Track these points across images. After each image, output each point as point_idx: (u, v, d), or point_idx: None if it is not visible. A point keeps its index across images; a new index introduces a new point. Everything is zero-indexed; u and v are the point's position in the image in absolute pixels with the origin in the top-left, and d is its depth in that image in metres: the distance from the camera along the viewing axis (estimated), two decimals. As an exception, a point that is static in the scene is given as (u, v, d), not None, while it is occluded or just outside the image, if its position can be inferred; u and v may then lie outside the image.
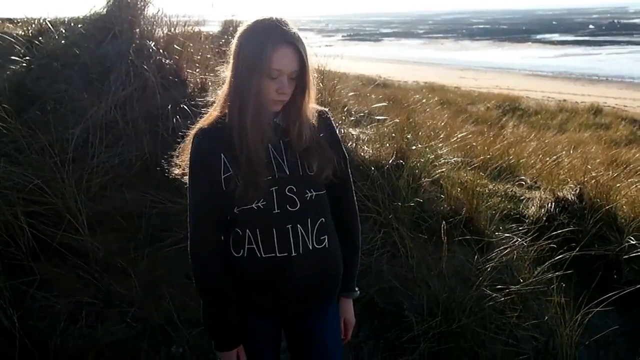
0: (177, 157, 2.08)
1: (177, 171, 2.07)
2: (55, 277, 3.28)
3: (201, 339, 3.14)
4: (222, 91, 1.99)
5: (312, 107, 2.01)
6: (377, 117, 5.29)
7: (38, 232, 3.37)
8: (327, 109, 2.12)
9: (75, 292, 3.22)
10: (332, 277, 2.11)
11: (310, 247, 1.98)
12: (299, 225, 1.96)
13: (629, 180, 5.17)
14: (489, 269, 3.56)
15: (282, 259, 1.96)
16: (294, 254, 1.96)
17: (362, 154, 4.34)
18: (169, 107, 4.05)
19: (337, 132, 2.12)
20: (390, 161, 4.28)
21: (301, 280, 2.01)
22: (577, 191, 4.56)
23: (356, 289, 2.23)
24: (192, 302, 3.27)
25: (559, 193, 4.59)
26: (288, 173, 1.93)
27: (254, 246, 1.95)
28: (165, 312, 3.22)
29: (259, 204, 1.91)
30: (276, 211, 1.93)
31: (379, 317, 3.43)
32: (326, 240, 2.02)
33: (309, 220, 1.97)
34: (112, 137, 3.98)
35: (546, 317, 3.51)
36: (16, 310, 3.02)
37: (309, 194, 1.96)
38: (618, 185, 4.75)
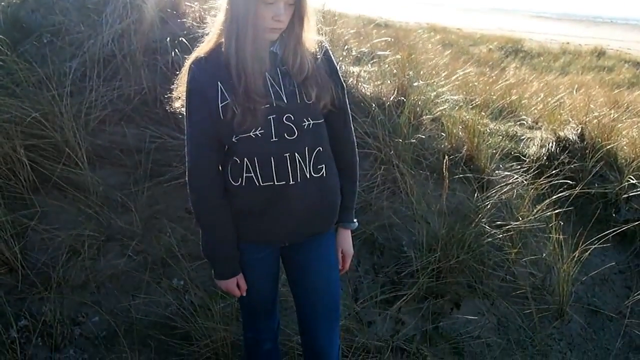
0: (176, 88, 2.05)
1: (177, 104, 2.05)
2: (56, 211, 3.28)
3: (202, 271, 3.18)
4: (218, 19, 1.95)
5: (311, 37, 1.98)
6: (379, 53, 5.20)
7: (37, 165, 3.35)
8: (324, 39, 2.08)
9: (76, 225, 3.23)
10: (329, 206, 2.12)
11: (308, 176, 1.98)
12: (296, 154, 1.95)
13: (631, 120, 5.14)
14: (488, 207, 3.58)
15: (280, 188, 1.96)
16: (292, 182, 1.96)
17: (363, 90, 4.29)
18: (168, 40, 3.97)
19: (335, 61, 2.09)
20: (391, 98, 4.24)
21: (298, 209, 2.02)
22: (579, 131, 4.53)
23: (354, 220, 2.23)
24: (192, 236, 3.30)
25: (560, 133, 4.56)
26: (286, 101, 1.91)
27: (252, 175, 1.95)
28: (166, 245, 3.25)
29: (257, 132, 1.90)
30: (274, 139, 1.92)
31: (379, 252, 3.46)
32: (324, 170, 2.02)
33: (306, 149, 1.96)
34: (109, 71, 3.92)
35: (544, 254, 3.54)
36: (18, 242, 3.04)
37: (307, 123, 1.95)
38: (619, 125, 4.72)
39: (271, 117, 1.91)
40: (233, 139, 1.92)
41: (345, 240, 2.25)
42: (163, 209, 3.42)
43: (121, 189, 3.44)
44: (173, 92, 2.06)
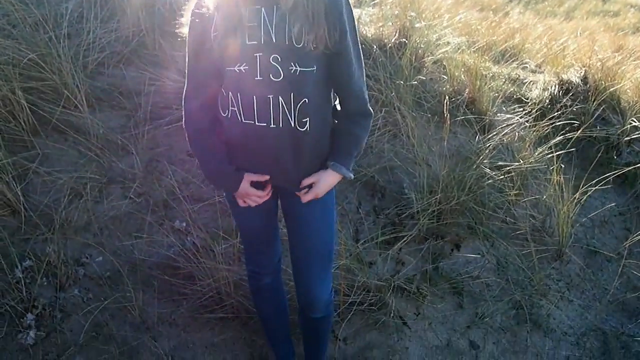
0: (184, 14, 2.02)
1: (184, 30, 2.02)
2: (57, 153, 3.27)
3: (204, 213, 3.20)
4: None
5: None
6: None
7: (37, 108, 3.33)
8: None
9: (77, 168, 3.23)
10: (312, 161, 2.06)
11: (292, 125, 1.93)
12: (280, 98, 1.90)
13: (635, 63, 5.07)
14: (489, 149, 3.57)
15: (260, 129, 1.94)
16: (272, 126, 1.93)
17: (364, 33, 4.23)
18: (165, -19, 3.90)
19: (345, 6, 1.92)
20: (392, 40, 4.18)
21: (278, 156, 1.99)
22: (582, 74, 4.48)
23: (350, 169, 2.08)
24: (194, 178, 3.31)
25: (563, 76, 4.51)
26: (274, 40, 1.85)
27: (236, 109, 1.94)
28: (168, 187, 3.25)
29: (242, 68, 1.88)
30: (258, 78, 1.88)
31: (379, 194, 3.46)
32: (308, 124, 1.95)
33: (291, 95, 1.90)
34: (107, 12, 3.86)
35: (544, 196, 3.55)
36: (19, 184, 3.05)
37: (294, 68, 1.87)
38: (624, 68, 4.67)
39: (258, 54, 1.86)
40: (224, 70, 1.92)
41: (325, 179, 2.08)
42: (164, 151, 3.41)
43: (121, 132, 3.43)
44: (182, 18, 2.04)
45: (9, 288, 2.73)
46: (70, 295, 2.82)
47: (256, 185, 2.09)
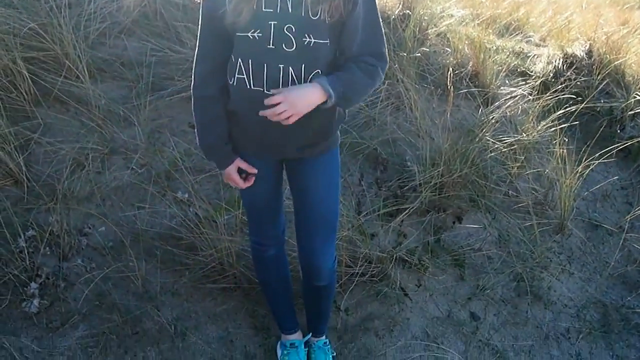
0: None
1: None
2: (59, 124, 3.26)
3: (206, 184, 3.20)
4: None
5: None
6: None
7: (38, 78, 3.31)
8: None
9: (79, 139, 3.22)
10: (320, 130, 2.08)
11: None
12: (291, 68, 1.90)
13: (640, 37, 5.04)
14: (492, 122, 3.56)
15: (268, 97, 1.92)
16: None
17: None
18: (167, -50, 3.86)
19: None
20: (396, 12, 4.15)
21: (286, 127, 1.96)
22: (587, 47, 4.45)
23: (331, 88, 1.88)
24: (196, 150, 3.30)
25: (567, 49, 4.48)
26: (290, 10, 1.84)
27: (244, 77, 1.93)
28: (170, 159, 3.25)
29: (255, 34, 1.87)
30: (271, 46, 1.88)
31: (382, 167, 3.46)
32: None
33: (302, 66, 1.89)
34: (108, -18, 3.83)
35: (547, 170, 3.55)
36: (22, 155, 3.04)
37: (308, 40, 1.87)
38: (629, 41, 4.63)
39: (272, 23, 1.86)
40: (235, 35, 1.91)
41: (302, 86, 1.91)
42: (166, 122, 3.40)
43: (123, 103, 3.42)
44: None
45: (13, 257, 2.74)
46: (74, 264, 2.83)
47: (240, 171, 2.16)
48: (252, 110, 1.96)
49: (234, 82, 1.97)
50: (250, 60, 1.91)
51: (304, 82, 1.91)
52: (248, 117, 2.01)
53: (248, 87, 1.94)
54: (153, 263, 2.90)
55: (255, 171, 2.15)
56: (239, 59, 1.93)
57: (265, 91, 1.92)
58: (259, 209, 2.34)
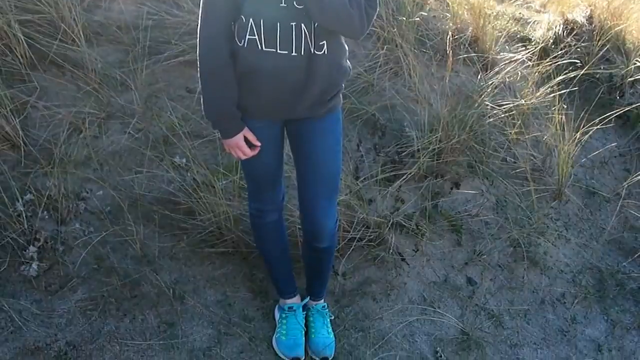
0: None
1: None
2: (55, 88, 3.24)
3: (204, 149, 3.19)
4: None
5: None
6: None
7: (33, 41, 3.28)
8: None
9: (75, 103, 3.20)
10: (329, 86, 2.08)
11: (312, 51, 1.95)
12: (303, 25, 1.91)
13: (642, 4, 4.99)
14: (491, 88, 3.54)
15: (281, 57, 1.94)
16: (294, 54, 1.94)
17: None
18: None
19: None
20: (395, -24, 4.09)
21: (294, 84, 2.00)
22: (588, 13, 4.41)
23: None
24: (193, 114, 3.29)
25: (568, 15, 4.44)
26: None
27: (256, 37, 1.92)
28: (167, 123, 3.24)
29: None
30: (283, 4, 1.88)
31: (380, 132, 3.45)
32: (325, 46, 1.97)
33: (314, 23, 1.91)
34: (103, -56, 3.77)
35: (545, 136, 3.54)
36: (18, 118, 3.03)
37: None
38: (630, 7, 4.59)
39: None
40: None
41: None
42: (163, 87, 3.38)
43: (120, 67, 3.39)
44: None
45: (11, 221, 2.74)
46: (72, 228, 2.83)
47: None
48: (263, 71, 1.97)
49: (244, 43, 1.95)
50: (262, 20, 1.90)
51: (314, 37, 1.93)
52: (259, 78, 2.00)
53: (260, 48, 1.93)
54: (151, 227, 2.90)
55: (259, 144, 2.15)
56: (250, 19, 1.91)
57: (278, 51, 1.92)
58: (261, 175, 2.34)
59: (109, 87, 3.30)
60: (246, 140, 2.14)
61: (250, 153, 2.16)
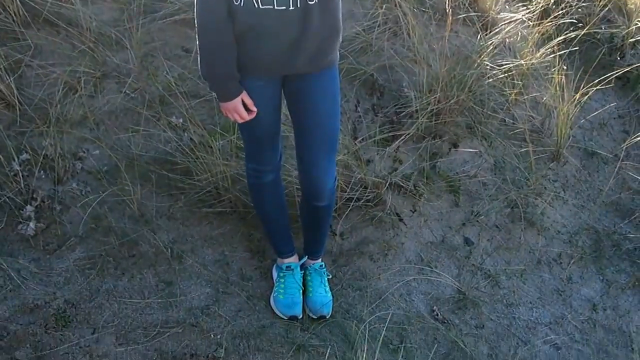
0: None
1: None
2: (49, 46, 3.20)
3: (201, 109, 3.17)
4: None
5: None
6: None
7: (26, -1, 3.24)
8: None
9: (70, 61, 3.16)
10: (327, 37, 2.06)
11: (310, 2, 1.92)
12: None
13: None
14: (491, 47, 3.50)
15: (279, 13, 1.92)
16: (291, 8, 1.92)
17: None
18: None
19: None
20: None
21: (293, 39, 1.98)
22: (589, -28, 4.35)
23: None
24: (190, 74, 3.26)
25: (570, -26, 4.38)
26: None
27: None
28: (164, 83, 3.21)
29: None
30: None
31: (378, 93, 3.42)
32: None
33: None
34: None
35: (545, 97, 3.52)
36: (12, 77, 2.99)
37: None
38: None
39: None
40: None
41: None
42: (159, 46, 3.34)
43: (115, 26, 3.34)
44: None
45: (7, 180, 2.73)
46: (69, 188, 2.82)
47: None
48: (262, 29, 1.95)
49: (240, 2, 1.92)
50: None
51: None
52: (258, 36, 1.98)
53: (257, 6, 1.91)
54: (148, 187, 2.89)
55: (255, 110, 2.14)
56: None
57: (275, 7, 1.90)
58: (259, 136, 2.32)
59: (104, 46, 3.26)
60: (243, 104, 2.13)
61: (247, 117, 2.14)
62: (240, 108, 2.11)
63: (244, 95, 2.11)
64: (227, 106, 2.12)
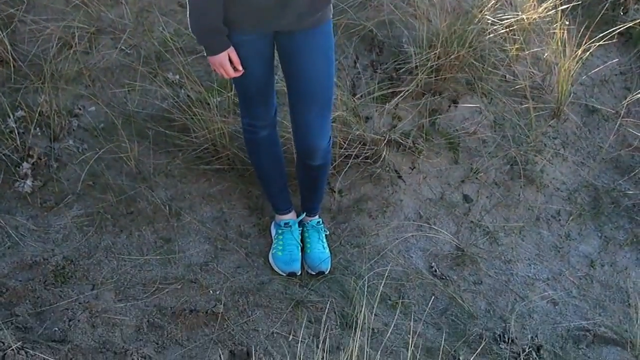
0: None
1: None
2: (42, 1, 3.14)
3: (198, 66, 3.12)
4: None
5: None
6: None
7: (18, -48, 3.16)
8: None
9: (64, 17, 3.11)
10: None
11: None
12: None
13: None
14: (492, 2, 3.44)
15: None
16: None
17: None
18: None
19: None
20: None
21: None
22: None
23: None
24: (186, 30, 3.19)
25: None
26: None
27: None
28: (160, 39, 3.16)
29: None
30: None
31: (377, 49, 3.37)
32: None
33: None
34: None
35: (546, 53, 3.47)
36: (5, 33, 2.95)
37: None
38: None
39: None
40: None
41: None
42: (155, 1, 3.27)
43: (109, -20, 3.28)
44: None
45: (3, 138, 2.71)
46: (65, 145, 2.81)
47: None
48: None
49: None
50: None
51: None
52: None
53: None
54: (145, 144, 2.88)
55: (241, 69, 2.13)
56: None
57: None
58: (251, 90, 2.30)
59: (99, 1, 3.19)
60: (231, 62, 2.12)
61: (233, 74, 2.14)
62: (226, 63, 2.09)
63: (231, 52, 2.09)
64: (214, 60, 2.11)
